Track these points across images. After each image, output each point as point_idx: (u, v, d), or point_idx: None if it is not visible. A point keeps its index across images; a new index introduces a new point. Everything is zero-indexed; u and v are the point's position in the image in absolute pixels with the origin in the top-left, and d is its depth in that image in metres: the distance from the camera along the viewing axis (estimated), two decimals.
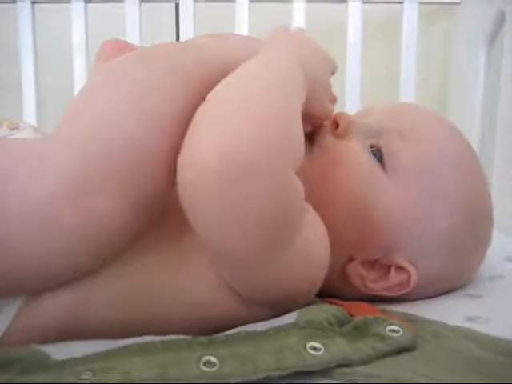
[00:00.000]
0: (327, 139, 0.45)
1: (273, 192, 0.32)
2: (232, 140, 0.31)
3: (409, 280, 0.43)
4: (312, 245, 0.37)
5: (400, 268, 0.43)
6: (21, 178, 0.32)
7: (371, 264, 0.44)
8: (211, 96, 0.34)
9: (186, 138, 0.32)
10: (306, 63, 0.39)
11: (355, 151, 0.44)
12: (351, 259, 0.44)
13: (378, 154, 0.44)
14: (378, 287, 0.43)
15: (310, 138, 0.46)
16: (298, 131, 0.35)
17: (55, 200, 0.31)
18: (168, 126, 0.34)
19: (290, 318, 0.34)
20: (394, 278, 0.43)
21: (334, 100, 0.46)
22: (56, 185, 0.32)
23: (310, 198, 0.36)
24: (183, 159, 0.32)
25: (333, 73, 0.45)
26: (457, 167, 0.45)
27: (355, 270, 0.43)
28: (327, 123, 0.46)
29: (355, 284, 0.44)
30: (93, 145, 0.33)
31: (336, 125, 0.46)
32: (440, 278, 0.45)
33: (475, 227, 0.45)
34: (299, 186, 0.34)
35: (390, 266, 0.43)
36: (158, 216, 0.36)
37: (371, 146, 0.45)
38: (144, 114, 0.34)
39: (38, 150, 0.34)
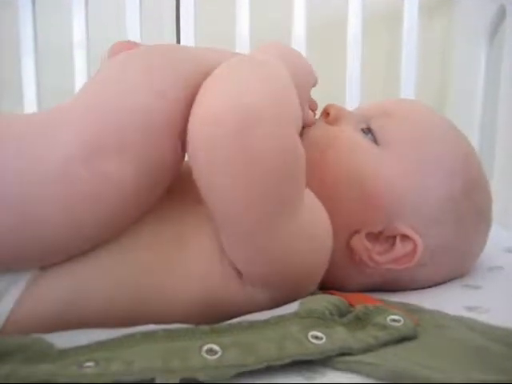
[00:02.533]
0: (318, 125, 0.47)
1: (280, 147, 0.33)
2: (243, 96, 0.33)
3: (415, 249, 0.43)
4: (314, 225, 0.37)
5: (405, 237, 0.43)
6: (35, 142, 0.33)
7: (376, 236, 0.44)
8: (221, 66, 0.36)
9: (198, 97, 0.34)
10: (291, 68, 0.40)
11: (347, 132, 0.46)
12: (355, 232, 0.44)
13: (369, 133, 0.46)
14: (385, 259, 0.43)
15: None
16: (298, 103, 0.37)
17: (69, 161, 0.32)
18: (180, 104, 0.35)
19: (291, 307, 0.35)
20: (400, 248, 0.43)
21: (314, 107, 0.48)
22: (70, 146, 0.32)
23: (309, 179, 0.37)
24: (195, 116, 0.33)
25: (314, 85, 0.47)
26: (445, 139, 0.47)
27: (360, 243, 0.43)
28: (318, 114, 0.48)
29: (362, 258, 0.43)
30: (108, 111, 0.34)
31: (327, 114, 0.48)
32: (445, 252, 0.45)
33: (473, 196, 0.46)
34: (302, 149, 0.36)
35: (394, 237, 0.44)
36: (164, 194, 0.37)
37: (362, 130, 0.47)
38: (158, 93, 0.35)
39: (52, 115, 0.36)
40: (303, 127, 0.47)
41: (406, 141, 0.45)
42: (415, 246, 0.43)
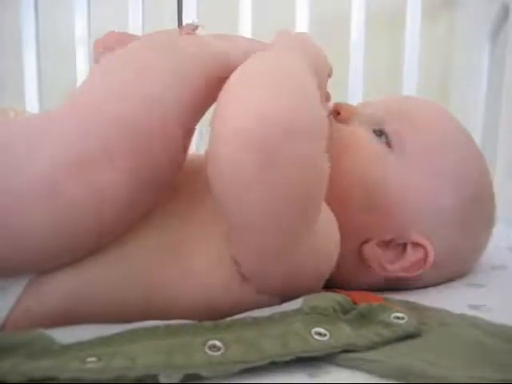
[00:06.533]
0: (332, 125, 0.45)
1: (310, 166, 0.31)
2: (270, 106, 0.30)
3: (426, 257, 0.43)
4: (325, 236, 0.37)
5: (416, 245, 0.43)
6: (21, 151, 0.31)
7: (387, 244, 0.44)
8: (240, 68, 0.33)
9: (217, 109, 0.32)
10: (311, 63, 0.39)
11: (360, 135, 0.45)
12: (366, 241, 0.44)
13: (382, 135, 0.45)
14: (396, 267, 0.43)
15: None
16: (325, 110, 0.35)
17: (56, 172, 0.31)
18: (176, 106, 0.34)
19: (295, 304, 0.34)
20: (411, 255, 0.43)
21: (329, 100, 0.46)
22: (57, 156, 0.31)
23: None
24: (217, 134, 0.31)
25: (329, 75, 0.45)
26: (458, 146, 0.46)
27: (372, 252, 0.43)
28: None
29: (373, 266, 0.43)
30: (94, 119, 0.33)
31: (337, 113, 0.47)
32: (453, 257, 0.46)
33: (482, 203, 0.46)
34: (328, 165, 0.34)
35: (405, 245, 0.44)
36: (166, 195, 0.36)
37: (374, 131, 0.46)
38: (147, 98, 0.34)
39: (39, 123, 0.34)
40: None
41: (420, 148, 0.44)
42: (426, 252, 0.43)
